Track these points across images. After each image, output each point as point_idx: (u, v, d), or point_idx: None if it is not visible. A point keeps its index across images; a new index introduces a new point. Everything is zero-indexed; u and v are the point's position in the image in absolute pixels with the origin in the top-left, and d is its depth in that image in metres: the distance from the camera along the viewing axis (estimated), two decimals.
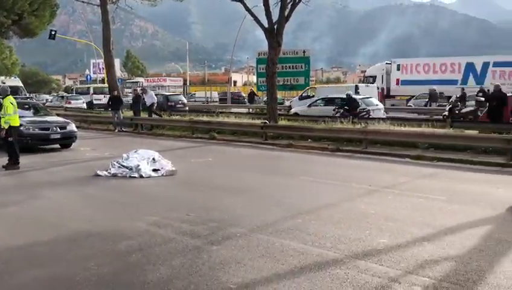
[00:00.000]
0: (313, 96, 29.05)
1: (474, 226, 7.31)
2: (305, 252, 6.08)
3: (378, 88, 34.07)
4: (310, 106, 25.84)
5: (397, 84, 40.09)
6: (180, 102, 32.72)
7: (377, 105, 25.27)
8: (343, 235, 6.75)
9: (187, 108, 32.87)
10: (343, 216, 7.81)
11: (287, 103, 38.53)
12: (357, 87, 29.17)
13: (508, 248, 6.25)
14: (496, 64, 36.49)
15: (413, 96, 36.04)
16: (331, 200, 8.95)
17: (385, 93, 40.75)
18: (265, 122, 19.91)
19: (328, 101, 25.09)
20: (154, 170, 11.62)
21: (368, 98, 25.03)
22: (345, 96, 23.07)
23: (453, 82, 36.18)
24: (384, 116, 22.66)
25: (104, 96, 36.57)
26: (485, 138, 14.91)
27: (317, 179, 11.11)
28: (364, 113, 22.96)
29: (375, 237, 6.70)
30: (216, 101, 50.91)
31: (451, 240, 6.57)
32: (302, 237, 6.70)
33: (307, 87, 30.32)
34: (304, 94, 30.10)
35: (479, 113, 22.18)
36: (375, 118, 20.85)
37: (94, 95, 41.94)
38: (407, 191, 9.73)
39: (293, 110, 27.90)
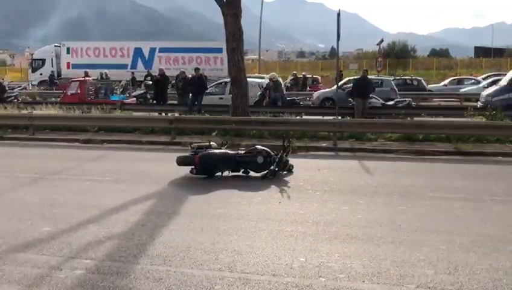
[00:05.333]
0: None
1: (139, 202, 7.63)
2: None
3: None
4: None
5: (68, 67, 38.98)
6: None
7: None
8: (1, 229, 6.20)
9: None
10: (4, 209, 7.19)
11: None
12: None
13: (167, 219, 6.71)
14: (162, 50, 38.95)
15: None
16: None
17: (56, 76, 39.27)
18: None
19: None
20: None
21: None
22: None
23: (123, 66, 37.11)
24: None
25: None
26: (151, 119, 15.82)
27: None
28: (13, 97, 22.79)
29: (37, 226, 6.35)
30: None
31: (116, 218, 6.72)
32: None
33: None
34: None
35: (148, 96, 23.52)
36: (24, 102, 21.09)
37: None
38: (75, 176, 9.57)
39: None
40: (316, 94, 23.85)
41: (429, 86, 32.68)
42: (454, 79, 34.14)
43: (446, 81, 33.76)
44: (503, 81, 19.77)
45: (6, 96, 22.26)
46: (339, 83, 24.35)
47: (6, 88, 25.38)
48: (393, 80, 27.22)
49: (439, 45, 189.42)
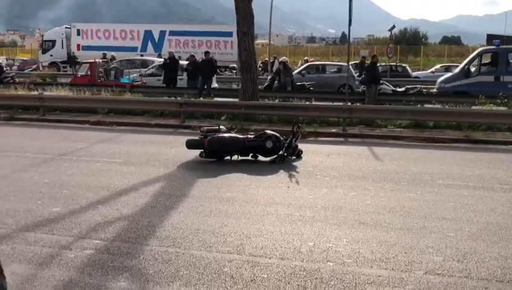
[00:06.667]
0: None
1: (148, 184, 7.66)
2: None
3: None
4: None
5: (78, 49, 38.97)
6: None
7: None
8: (12, 209, 6.25)
9: None
10: (14, 189, 7.24)
11: None
12: None
13: (176, 201, 6.74)
14: (172, 33, 38.78)
15: None
16: (0, 172, 8.19)
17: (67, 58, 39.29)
18: None
19: None
20: None
21: None
22: None
23: (133, 49, 37.06)
24: None
25: None
26: (161, 102, 15.82)
27: None
28: (9, 78, 22.95)
29: (47, 206, 6.41)
30: None
31: (126, 200, 6.76)
32: None
33: None
34: None
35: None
36: (21, 83, 21.03)
37: None
38: (85, 157, 9.62)
39: None
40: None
41: (418, 72, 32.94)
42: (442, 66, 34.01)
43: (434, 68, 33.71)
44: (457, 69, 19.95)
45: (4, 77, 22.62)
46: (299, 69, 24.37)
47: (4, 68, 25.83)
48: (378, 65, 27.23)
49: (451, 32, 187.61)
